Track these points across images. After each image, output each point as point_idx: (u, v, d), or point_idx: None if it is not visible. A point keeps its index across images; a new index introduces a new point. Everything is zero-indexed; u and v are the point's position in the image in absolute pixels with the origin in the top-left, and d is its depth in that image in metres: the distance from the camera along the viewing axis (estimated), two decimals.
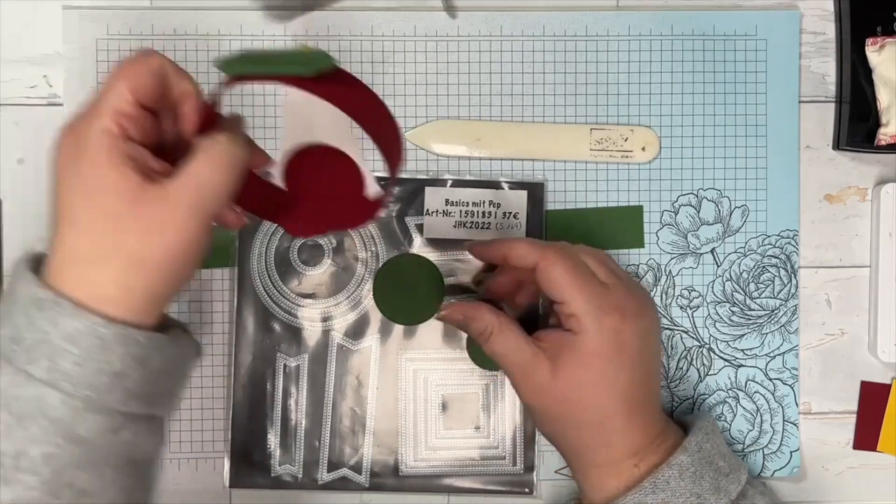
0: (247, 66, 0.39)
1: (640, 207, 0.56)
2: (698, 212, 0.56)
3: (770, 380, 0.56)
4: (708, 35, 0.56)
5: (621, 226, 0.56)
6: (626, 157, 0.56)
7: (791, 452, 0.57)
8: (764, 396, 0.56)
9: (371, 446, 0.55)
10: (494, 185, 0.55)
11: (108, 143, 0.38)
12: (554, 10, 0.56)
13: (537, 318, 0.55)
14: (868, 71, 0.55)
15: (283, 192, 0.46)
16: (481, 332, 0.49)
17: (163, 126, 0.42)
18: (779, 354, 0.56)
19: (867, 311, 0.57)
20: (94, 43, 0.55)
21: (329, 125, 0.43)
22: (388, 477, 0.55)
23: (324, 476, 0.55)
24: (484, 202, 0.55)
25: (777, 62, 0.57)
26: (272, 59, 0.40)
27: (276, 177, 0.45)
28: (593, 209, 0.56)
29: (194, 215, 0.39)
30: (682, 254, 0.56)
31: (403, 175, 0.55)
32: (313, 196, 0.46)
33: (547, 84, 0.56)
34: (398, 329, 0.56)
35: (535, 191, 0.56)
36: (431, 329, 0.56)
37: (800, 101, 0.57)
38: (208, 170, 0.39)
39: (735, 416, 0.56)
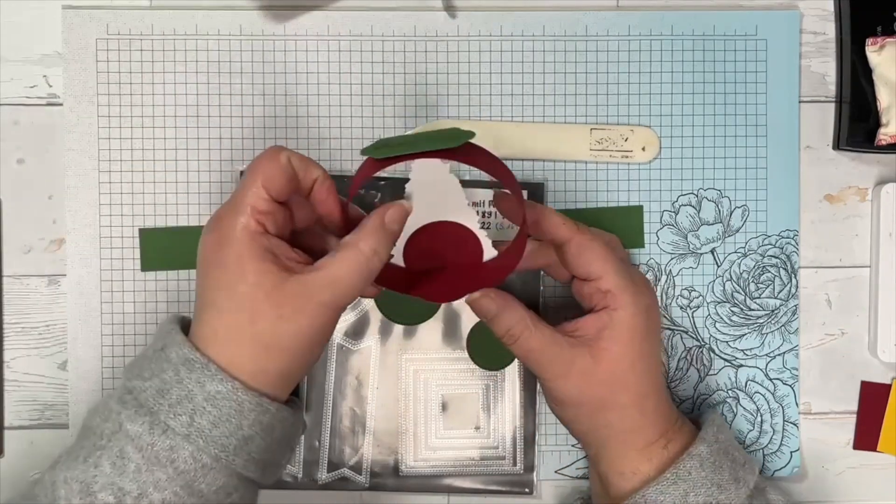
0: (395, 150, 0.43)
1: (640, 207, 0.56)
2: (698, 212, 0.56)
3: (770, 380, 0.56)
4: (708, 35, 0.56)
5: (621, 226, 0.56)
6: (626, 157, 0.56)
7: (791, 452, 0.57)
8: (764, 396, 0.56)
9: (371, 446, 0.55)
10: (494, 185, 0.55)
11: (249, 238, 0.43)
12: (554, 10, 0.56)
13: (538, 310, 0.55)
14: (868, 71, 0.55)
15: (405, 269, 0.48)
16: (511, 326, 0.47)
17: (296, 213, 0.46)
18: (779, 354, 0.56)
19: (867, 311, 0.57)
20: (93, 43, 0.55)
21: (447, 203, 0.47)
22: (388, 477, 0.55)
23: (324, 476, 0.55)
24: (484, 202, 0.55)
25: (777, 62, 0.57)
26: (415, 141, 0.44)
27: (397, 256, 0.48)
28: (593, 209, 0.56)
29: (327, 309, 0.43)
30: (682, 254, 0.56)
31: (403, 175, 0.55)
32: (437, 268, 0.48)
33: (547, 84, 0.56)
34: (398, 329, 0.56)
35: (535, 191, 0.56)
36: (431, 329, 0.56)
37: (800, 101, 0.57)
38: (346, 272, 0.43)
39: (735, 416, 0.56)
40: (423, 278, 0.48)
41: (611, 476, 0.49)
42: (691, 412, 0.56)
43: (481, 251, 0.48)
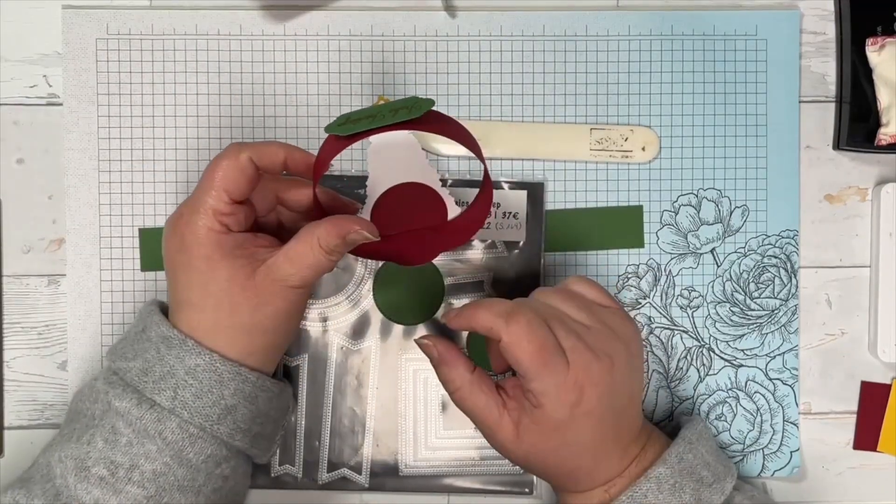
0: (359, 126, 0.43)
1: (640, 207, 0.56)
2: (698, 212, 0.56)
3: (770, 380, 0.56)
4: (708, 35, 0.56)
5: (621, 226, 0.56)
6: (626, 157, 0.56)
7: (791, 452, 0.57)
8: (764, 396, 0.56)
9: (371, 446, 0.55)
10: (494, 185, 0.55)
11: (215, 240, 0.45)
12: (554, 10, 0.56)
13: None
14: (868, 71, 0.55)
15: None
16: (451, 381, 0.47)
17: (257, 205, 0.48)
18: (779, 354, 0.56)
19: (867, 311, 0.57)
20: (93, 43, 0.55)
21: (408, 165, 0.48)
22: (388, 477, 0.55)
23: (324, 476, 0.55)
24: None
25: (777, 62, 0.57)
26: (377, 114, 0.44)
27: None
28: (593, 209, 0.56)
29: (298, 289, 0.46)
30: (682, 254, 0.56)
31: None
32: (406, 229, 0.48)
33: (547, 84, 0.56)
34: (398, 329, 0.56)
35: (535, 191, 0.56)
36: (431, 329, 0.56)
37: (800, 101, 0.57)
38: (308, 250, 0.44)
39: (735, 416, 0.56)
40: (392, 242, 0.48)
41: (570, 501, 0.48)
42: (691, 412, 0.56)
43: (446, 209, 0.48)
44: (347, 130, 0.44)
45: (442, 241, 0.49)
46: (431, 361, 0.48)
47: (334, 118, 0.47)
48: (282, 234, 0.49)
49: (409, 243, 0.49)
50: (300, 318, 0.50)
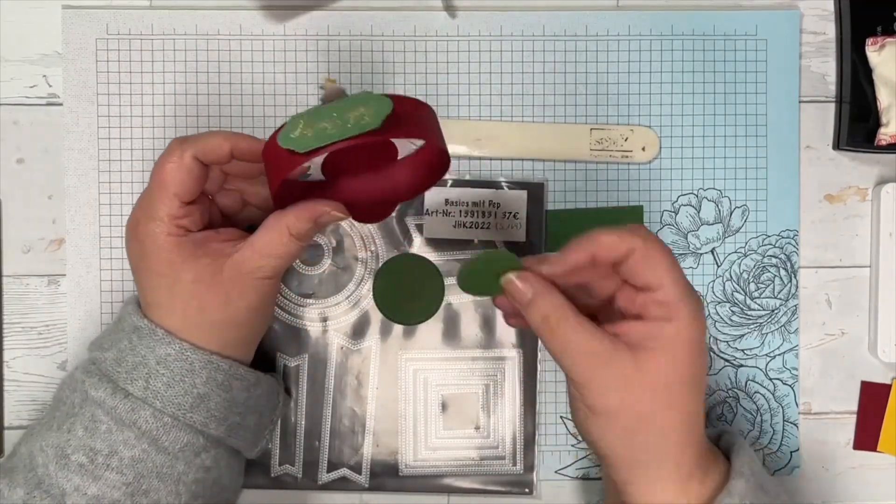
0: (317, 138, 0.40)
1: (640, 207, 0.56)
2: (698, 212, 0.56)
3: (770, 380, 0.56)
4: (708, 35, 0.56)
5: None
6: (626, 157, 0.56)
7: (791, 452, 0.57)
8: (764, 396, 0.56)
9: (371, 446, 0.55)
10: (494, 185, 0.55)
11: (175, 244, 0.45)
12: (554, 10, 0.56)
13: None
14: (868, 71, 0.55)
15: (330, 186, 0.47)
16: (549, 314, 0.42)
17: (219, 200, 0.49)
18: (779, 354, 0.56)
19: (867, 311, 0.57)
20: (93, 43, 0.55)
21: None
22: (388, 477, 0.55)
23: (324, 476, 0.55)
24: (484, 202, 0.55)
25: (777, 62, 0.57)
26: (333, 118, 0.40)
27: (315, 172, 0.46)
28: (593, 209, 0.56)
29: (269, 280, 0.46)
30: (682, 254, 0.56)
31: None
32: (360, 176, 0.47)
33: (547, 84, 0.56)
34: (398, 329, 0.56)
35: (535, 191, 0.56)
36: (431, 329, 0.56)
37: (800, 101, 0.57)
38: (278, 239, 0.44)
39: (735, 416, 0.56)
40: (341, 192, 0.47)
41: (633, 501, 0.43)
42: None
43: (396, 152, 0.46)
44: (305, 146, 0.40)
45: (392, 189, 0.47)
46: (522, 301, 0.42)
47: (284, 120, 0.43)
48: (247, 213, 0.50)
49: (359, 193, 0.47)
50: (273, 307, 0.50)
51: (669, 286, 0.41)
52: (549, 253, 0.44)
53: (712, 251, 0.56)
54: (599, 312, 0.45)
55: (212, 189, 0.48)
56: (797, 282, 0.57)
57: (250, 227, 0.47)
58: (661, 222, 0.56)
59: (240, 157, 0.46)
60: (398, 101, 0.41)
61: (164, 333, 0.45)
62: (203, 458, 0.46)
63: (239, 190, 0.49)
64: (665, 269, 0.41)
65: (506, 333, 0.56)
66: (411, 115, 0.42)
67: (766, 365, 0.56)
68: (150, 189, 0.45)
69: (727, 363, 0.57)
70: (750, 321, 0.56)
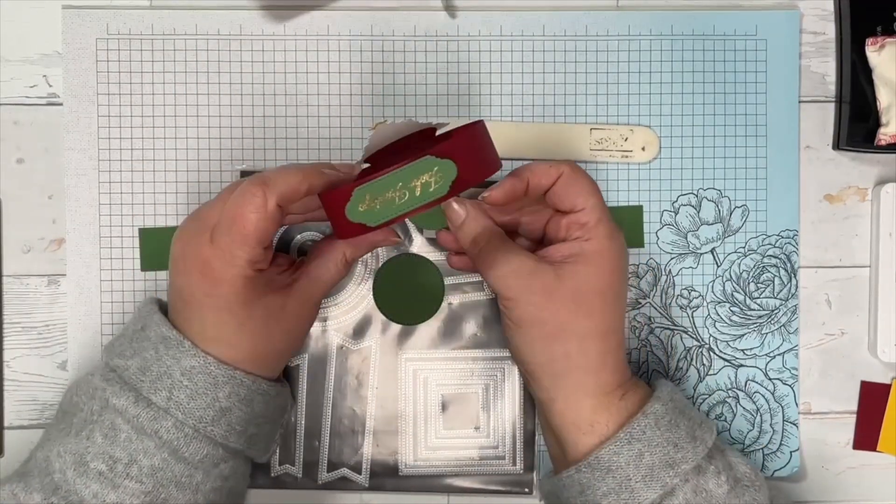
0: (386, 211, 0.42)
1: (640, 207, 0.56)
2: (698, 212, 0.56)
3: (770, 380, 0.56)
4: (708, 35, 0.56)
5: (621, 226, 0.56)
6: (626, 157, 0.56)
7: (791, 452, 0.57)
8: (764, 396, 0.56)
9: (371, 446, 0.55)
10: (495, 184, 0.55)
11: (250, 284, 0.45)
12: (554, 10, 0.56)
13: None
14: (868, 71, 0.55)
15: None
16: (477, 233, 0.48)
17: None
18: (779, 354, 0.56)
19: (867, 311, 0.57)
20: (93, 43, 0.55)
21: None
22: (388, 477, 0.55)
23: (324, 476, 0.55)
24: None
25: (777, 62, 0.57)
26: (400, 188, 0.42)
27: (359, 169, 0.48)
28: None
29: (310, 304, 0.49)
30: (682, 254, 0.56)
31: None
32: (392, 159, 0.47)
33: (547, 84, 0.56)
34: (398, 329, 0.56)
35: None
36: (431, 329, 0.56)
37: (800, 101, 0.57)
38: (334, 267, 0.48)
39: (735, 416, 0.56)
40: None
41: (565, 431, 0.47)
42: None
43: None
44: (375, 220, 0.43)
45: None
46: (455, 222, 0.48)
47: (355, 195, 0.43)
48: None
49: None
50: (308, 329, 0.53)
51: (590, 208, 0.47)
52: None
53: (712, 251, 0.57)
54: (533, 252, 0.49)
55: None
56: (797, 282, 0.57)
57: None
58: (661, 222, 0.56)
59: (309, 193, 0.46)
60: (455, 141, 0.43)
61: (191, 345, 0.45)
62: (222, 468, 0.46)
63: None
64: (588, 193, 0.47)
65: None
66: (473, 160, 0.44)
67: (766, 365, 0.56)
68: (228, 230, 0.44)
69: (727, 363, 0.57)
70: (750, 321, 0.56)
